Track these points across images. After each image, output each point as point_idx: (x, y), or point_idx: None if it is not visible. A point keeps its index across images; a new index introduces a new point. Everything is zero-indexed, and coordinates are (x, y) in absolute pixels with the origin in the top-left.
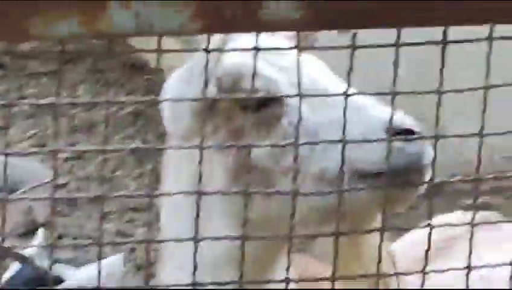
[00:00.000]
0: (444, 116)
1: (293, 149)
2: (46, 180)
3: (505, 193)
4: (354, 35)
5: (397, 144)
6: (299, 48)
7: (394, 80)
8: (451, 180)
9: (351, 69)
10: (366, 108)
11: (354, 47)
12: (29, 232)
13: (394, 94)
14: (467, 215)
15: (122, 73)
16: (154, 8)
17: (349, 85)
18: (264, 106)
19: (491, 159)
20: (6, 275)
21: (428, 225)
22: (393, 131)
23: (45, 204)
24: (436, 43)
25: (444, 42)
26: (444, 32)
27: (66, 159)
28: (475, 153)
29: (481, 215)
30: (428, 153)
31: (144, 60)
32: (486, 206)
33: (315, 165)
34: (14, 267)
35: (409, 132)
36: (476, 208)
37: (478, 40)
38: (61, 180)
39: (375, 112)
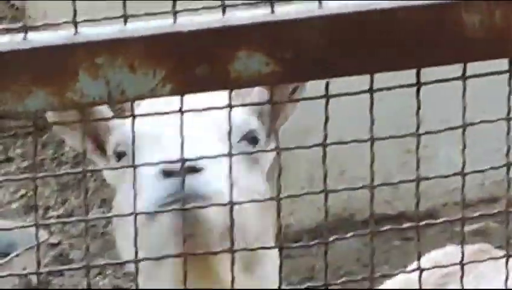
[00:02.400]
0: (434, 142)
1: None
2: (40, 241)
3: (497, 217)
4: (327, 85)
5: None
6: (273, 102)
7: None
8: (437, 221)
9: (327, 119)
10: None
11: (327, 97)
12: None
13: (372, 140)
14: (459, 249)
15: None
16: (124, 76)
17: (325, 137)
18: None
19: (481, 184)
20: None
21: (418, 267)
22: (168, 172)
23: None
24: (411, 85)
25: (418, 84)
26: (418, 74)
27: (58, 217)
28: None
29: (477, 247)
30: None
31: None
32: (481, 233)
33: None
34: None
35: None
36: (463, 243)
37: (453, 79)
38: (53, 239)
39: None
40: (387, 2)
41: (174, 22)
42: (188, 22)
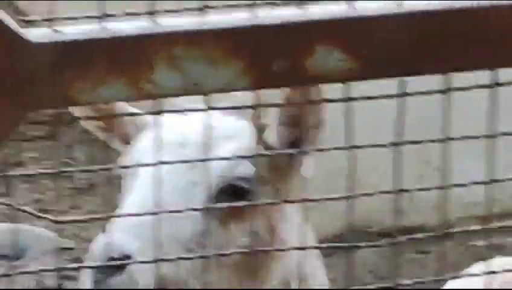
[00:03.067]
0: (452, 157)
1: None
2: (52, 244)
3: None
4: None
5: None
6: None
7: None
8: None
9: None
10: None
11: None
12: None
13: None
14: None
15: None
16: (200, 68)
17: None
18: None
19: (498, 198)
20: None
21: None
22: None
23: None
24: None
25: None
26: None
27: (71, 222)
28: (481, 195)
29: None
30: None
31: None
32: (498, 248)
33: None
34: None
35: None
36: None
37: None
38: (67, 244)
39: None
40: (469, 2)
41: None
42: (266, 15)
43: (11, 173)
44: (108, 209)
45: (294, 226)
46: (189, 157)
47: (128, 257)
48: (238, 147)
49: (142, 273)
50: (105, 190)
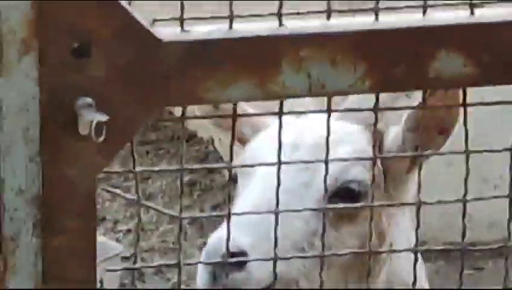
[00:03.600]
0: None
1: None
2: (115, 253)
3: None
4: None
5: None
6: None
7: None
8: None
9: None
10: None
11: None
12: None
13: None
14: None
15: (172, 144)
16: (325, 70)
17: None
18: None
19: None
20: None
21: None
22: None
23: (115, 276)
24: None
25: None
26: None
27: (128, 231)
28: None
29: None
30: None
31: (192, 131)
32: None
33: None
34: None
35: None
36: None
37: None
38: (125, 253)
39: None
40: None
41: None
42: (389, 20)
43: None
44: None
45: (402, 232)
46: (302, 159)
47: (243, 253)
48: (352, 151)
49: (260, 271)
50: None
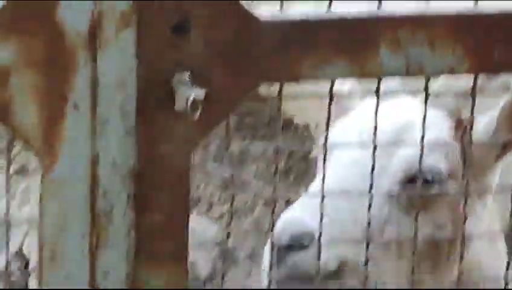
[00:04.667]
0: None
1: None
2: (210, 235)
3: None
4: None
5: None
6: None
7: None
8: None
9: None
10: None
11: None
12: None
13: None
14: None
15: (268, 129)
16: (423, 51)
17: None
18: None
19: None
20: None
21: None
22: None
23: (207, 260)
24: None
25: None
26: None
27: (222, 216)
28: None
29: None
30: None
31: (289, 117)
32: None
33: None
34: None
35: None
36: None
37: None
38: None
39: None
40: None
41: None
42: (487, 3)
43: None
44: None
45: (481, 223)
46: (380, 143)
47: (310, 235)
48: (431, 138)
49: (326, 253)
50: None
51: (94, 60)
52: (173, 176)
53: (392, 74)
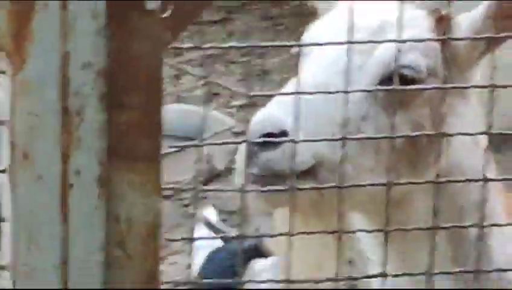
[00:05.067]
0: None
1: None
2: (225, 128)
3: None
4: None
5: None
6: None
7: None
8: None
9: None
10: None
11: None
12: (209, 180)
13: None
14: None
15: (292, 20)
16: None
17: None
18: None
19: None
20: (198, 262)
21: None
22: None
23: (224, 152)
24: None
25: None
26: None
27: (240, 107)
28: None
29: None
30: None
31: (314, 8)
32: None
33: None
34: (200, 231)
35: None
36: None
37: None
38: (237, 129)
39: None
40: None
41: None
42: None
43: None
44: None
45: (466, 123)
46: (362, 41)
47: (284, 133)
48: (411, 36)
49: (300, 151)
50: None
51: None
52: (145, 75)
53: None
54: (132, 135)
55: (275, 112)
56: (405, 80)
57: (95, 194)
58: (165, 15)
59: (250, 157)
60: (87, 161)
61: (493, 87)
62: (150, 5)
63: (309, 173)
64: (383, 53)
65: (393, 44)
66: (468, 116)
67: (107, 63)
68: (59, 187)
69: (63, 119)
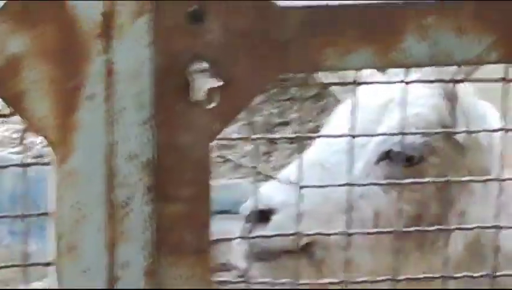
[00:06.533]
0: None
1: None
2: None
3: None
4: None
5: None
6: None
7: None
8: None
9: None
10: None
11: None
12: None
13: None
14: None
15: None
16: (450, 39)
17: None
18: None
19: None
20: None
21: None
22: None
23: None
24: None
25: None
26: None
27: None
28: None
29: None
30: None
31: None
32: None
33: None
34: None
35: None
36: None
37: None
38: None
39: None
40: None
41: None
42: None
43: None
44: None
45: (478, 199)
46: (367, 120)
47: (272, 211)
48: (414, 114)
49: (287, 229)
50: None
51: (108, 49)
52: (192, 166)
53: (418, 62)
54: (179, 227)
55: (266, 191)
56: (405, 159)
57: (142, 287)
58: (211, 105)
59: (244, 234)
60: (134, 254)
61: None
62: (196, 96)
63: (305, 250)
64: (385, 131)
65: (395, 124)
66: (479, 192)
67: (153, 155)
68: (106, 280)
69: (109, 211)
